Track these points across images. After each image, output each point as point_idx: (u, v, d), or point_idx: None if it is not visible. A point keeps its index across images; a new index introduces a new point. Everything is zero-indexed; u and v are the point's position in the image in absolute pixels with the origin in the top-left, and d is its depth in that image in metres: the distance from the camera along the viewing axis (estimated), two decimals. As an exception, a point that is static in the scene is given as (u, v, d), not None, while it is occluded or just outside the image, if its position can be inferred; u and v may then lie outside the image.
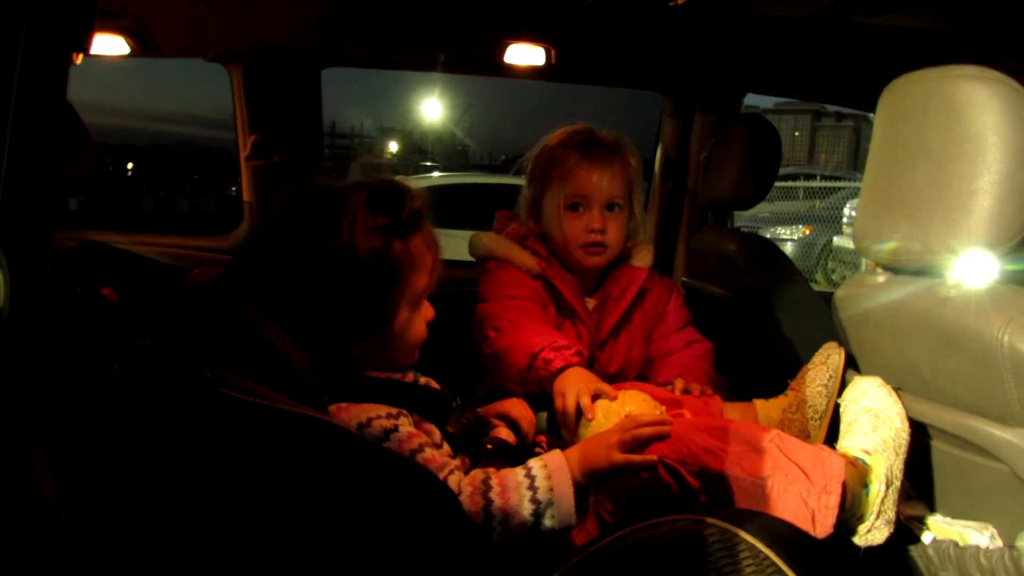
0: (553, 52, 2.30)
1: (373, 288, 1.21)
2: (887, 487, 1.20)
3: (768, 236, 10.07)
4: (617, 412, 1.35)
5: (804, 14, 1.93)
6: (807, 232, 10.42)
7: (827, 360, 1.47)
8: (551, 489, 1.17)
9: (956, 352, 1.19)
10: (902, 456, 1.23)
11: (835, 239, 9.99)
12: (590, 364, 1.75)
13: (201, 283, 1.31)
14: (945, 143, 1.19)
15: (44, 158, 0.59)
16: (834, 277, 10.14)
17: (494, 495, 1.15)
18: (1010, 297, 1.15)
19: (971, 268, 1.20)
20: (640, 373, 1.83)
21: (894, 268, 1.36)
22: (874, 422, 1.24)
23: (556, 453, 1.23)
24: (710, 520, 1.02)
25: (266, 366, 1.06)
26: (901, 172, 1.28)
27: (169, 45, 2.28)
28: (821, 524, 1.14)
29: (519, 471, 1.20)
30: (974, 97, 1.16)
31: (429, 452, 1.18)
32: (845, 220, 9.89)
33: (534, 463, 1.21)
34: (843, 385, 1.44)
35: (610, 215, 1.72)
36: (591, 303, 1.80)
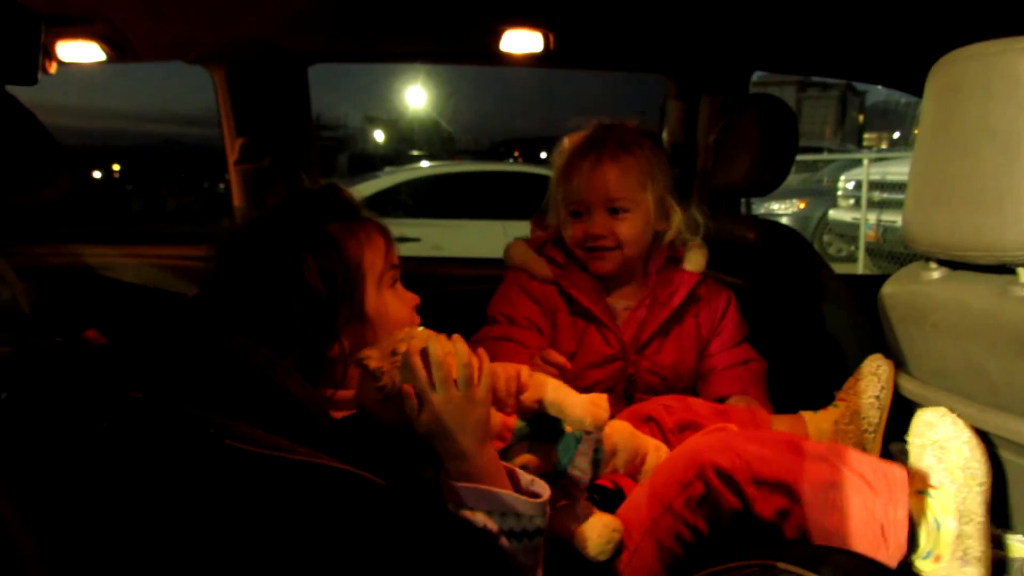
0: (552, 37, 2.17)
1: (332, 275, 1.17)
2: (966, 523, 1.09)
3: (763, 211, 10.09)
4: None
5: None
6: (802, 206, 10.30)
7: (877, 371, 1.36)
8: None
9: (1033, 357, 1.08)
10: (979, 489, 1.11)
11: (831, 212, 9.88)
12: (628, 375, 1.65)
13: (191, 310, 1.21)
14: (1013, 125, 1.07)
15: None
16: (831, 251, 10.04)
17: None
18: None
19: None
20: (689, 386, 1.72)
21: (951, 262, 1.25)
22: (939, 454, 1.13)
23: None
24: (781, 565, 0.92)
25: (277, 411, 0.96)
26: (960, 158, 1.16)
27: (146, 49, 2.15)
28: (895, 540, 1.05)
29: None
30: (1045, 72, 1.04)
31: None
32: (840, 193, 9.78)
33: None
34: (895, 393, 1.34)
35: (615, 218, 1.60)
36: (628, 305, 1.68)
